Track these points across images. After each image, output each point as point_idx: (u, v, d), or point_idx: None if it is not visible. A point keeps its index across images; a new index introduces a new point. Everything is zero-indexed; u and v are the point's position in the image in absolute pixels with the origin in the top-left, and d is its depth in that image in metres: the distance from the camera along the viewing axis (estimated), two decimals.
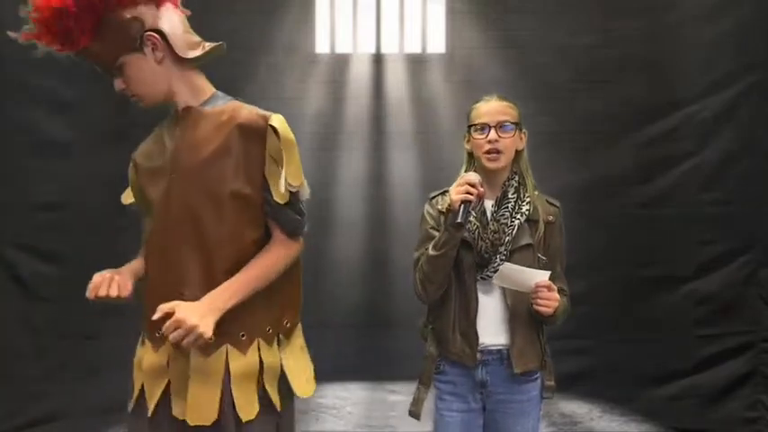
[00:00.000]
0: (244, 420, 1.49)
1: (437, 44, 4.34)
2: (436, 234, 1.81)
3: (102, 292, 1.48)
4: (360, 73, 4.37)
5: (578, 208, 4.08)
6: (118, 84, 1.52)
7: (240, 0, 4.05)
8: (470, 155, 1.91)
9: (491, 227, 1.81)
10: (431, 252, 1.77)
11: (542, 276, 1.74)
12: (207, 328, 1.39)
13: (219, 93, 1.60)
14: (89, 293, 1.49)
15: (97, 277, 1.50)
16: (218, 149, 1.48)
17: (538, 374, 1.90)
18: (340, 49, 4.38)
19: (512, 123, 1.84)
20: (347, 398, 3.97)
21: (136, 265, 1.64)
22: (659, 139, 3.93)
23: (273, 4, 4.22)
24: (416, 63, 4.36)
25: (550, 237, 1.87)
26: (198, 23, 1.61)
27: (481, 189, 1.74)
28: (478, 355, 1.81)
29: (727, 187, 3.72)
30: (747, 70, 3.68)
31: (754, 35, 3.67)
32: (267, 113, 1.51)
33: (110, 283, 1.49)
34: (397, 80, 4.36)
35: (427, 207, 1.91)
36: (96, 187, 3.35)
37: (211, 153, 1.48)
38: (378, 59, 4.37)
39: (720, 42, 3.74)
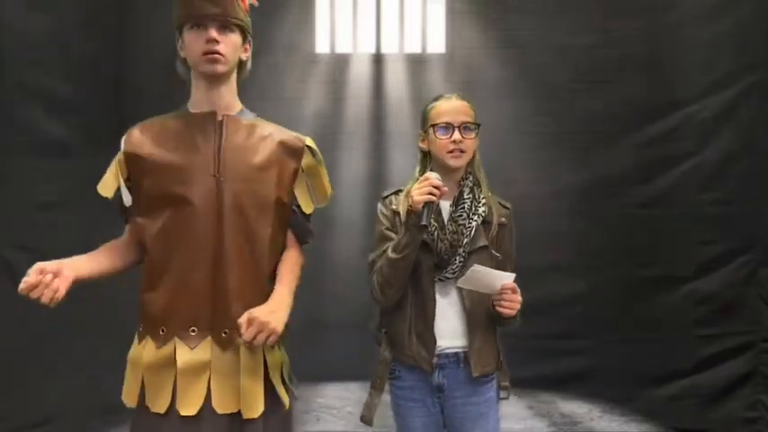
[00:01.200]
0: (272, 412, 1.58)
1: (437, 44, 4.35)
2: (391, 235, 1.80)
3: (35, 295, 1.43)
4: (360, 73, 4.37)
5: (578, 208, 4.10)
6: (213, 33, 1.54)
7: None
8: (425, 154, 1.88)
9: (449, 227, 1.80)
10: (391, 255, 1.74)
11: (508, 279, 1.73)
12: (278, 324, 1.47)
13: (245, 107, 1.70)
14: (22, 286, 1.42)
15: (36, 275, 1.43)
16: (265, 159, 1.61)
17: (494, 375, 1.86)
18: (340, 49, 4.38)
19: (473, 124, 1.82)
20: (347, 398, 3.98)
21: (88, 261, 1.58)
22: (659, 139, 3.93)
23: (273, 4, 4.22)
24: (416, 63, 4.36)
25: (502, 238, 1.85)
26: None
27: (445, 189, 1.71)
28: (435, 359, 1.80)
29: (727, 187, 3.72)
30: (747, 70, 3.68)
31: (754, 35, 3.66)
32: (301, 135, 1.70)
33: (45, 288, 1.43)
34: (397, 80, 4.36)
35: (380, 207, 1.89)
36: (96, 187, 3.34)
37: (261, 162, 1.60)
38: (378, 59, 4.37)
39: (720, 42, 3.73)
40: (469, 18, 4.28)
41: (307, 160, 1.68)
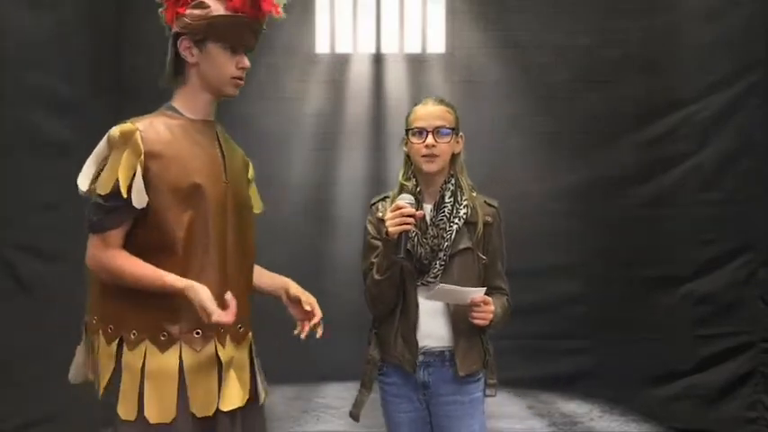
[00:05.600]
0: (262, 402, 1.71)
1: (437, 44, 4.34)
2: (377, 243, 1.83)
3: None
4: (360, 73, 4.37)
5: (578, 208, 4.10)
6: (247, 62, 1.68)
7: None
8: (407, 158, 1.92)
9: (430, 232, 1.82)
10: (375, 276, 1.80)
11: (477, 293, 1.76)
12: None
13: None
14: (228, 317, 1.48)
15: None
16: (241, 167, 1.73)
17: (480, 374, 1.90)
18: (340, 49, 4.38)
19: (448, 128, 1.85)
20: (347, 398, 3.95)
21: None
22: (659, 139, 3.93)
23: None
24: (416, 63, 4.36)
25: (489, 237, 1.88)
26: None
27: (420, 213, 1.75)
28: (420, 358, 1.84)
29: (727, 187, 3.72)
30: (747, 70, 3.68)
31: (755, 35, 3.66)
32: None
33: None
34: (397, 80, 4.36)
35: (368, 215, 1.94)
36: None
37: (240, 169, 1.72)
38: (378, 59, 4.37)
39: (720, 42, 3.74)
40: (469, 18, 4.28)
41: (251, 172, 1.80)
